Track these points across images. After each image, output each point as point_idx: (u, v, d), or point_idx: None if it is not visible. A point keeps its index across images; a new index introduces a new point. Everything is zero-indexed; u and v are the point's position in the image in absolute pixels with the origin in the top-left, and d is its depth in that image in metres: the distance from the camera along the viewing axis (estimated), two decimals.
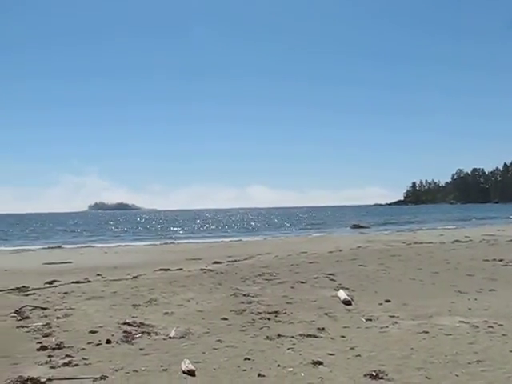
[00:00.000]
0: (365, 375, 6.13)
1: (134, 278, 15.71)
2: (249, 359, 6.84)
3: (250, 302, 11.09)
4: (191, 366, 6.39)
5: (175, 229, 70.37)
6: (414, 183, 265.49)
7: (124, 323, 9.16)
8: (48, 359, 7.04)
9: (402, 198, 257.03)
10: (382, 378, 6.02)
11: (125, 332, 8.50)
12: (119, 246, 38.73)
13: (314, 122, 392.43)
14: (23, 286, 14.05)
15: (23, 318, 9.90)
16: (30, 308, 10.87)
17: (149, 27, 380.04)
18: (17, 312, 10.45)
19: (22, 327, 9.15)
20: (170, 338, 8.15)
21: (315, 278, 14.46)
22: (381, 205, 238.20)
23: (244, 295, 11.99)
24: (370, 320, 9.26)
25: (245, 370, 6.40)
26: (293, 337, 8.05)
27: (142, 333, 8.45)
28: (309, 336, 8.11)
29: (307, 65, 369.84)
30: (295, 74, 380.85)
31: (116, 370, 6.46)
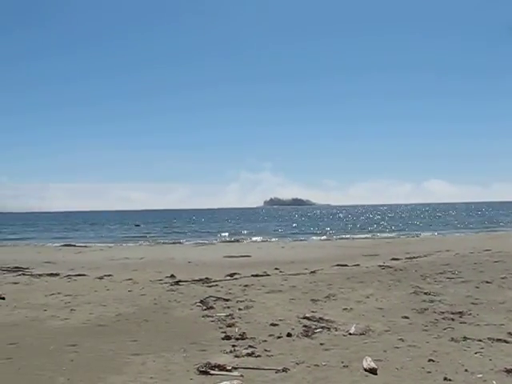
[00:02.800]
0: None
1: (311, 272, 15.84)
2: (433, 361, 6.50)
3: (431, 301, 10.61)
4: (373, 364, 6.23)
5: (350, 225, 69.96)
6: None
7: (304, 317, 9.23)
8: (232, 348, 7.30)
9: None
10: None
11: (305, 326, 8.56)
12: (295, 240, 39.45)
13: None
14: (206, 278, 14.81)
15: (208, 308, 10.41)
16: (214, 299, 11.41)
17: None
18: (202, 302, 11.02)
19: (207, 316, 9.63)
20: (349, 334, 8.04)
21: (502, 278, 13.46)
22: None
23: (425, 293, 11.51)
24: None
25: (429, 372, 6.09)
26: (480, 340, 7.50)
27: (322, 328, 8.44)
28: (498, 340, 7.49)
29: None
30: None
31: (297, 364, 6.51)
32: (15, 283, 14.96)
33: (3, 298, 11.93)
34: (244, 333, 8.13)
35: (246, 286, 13.36)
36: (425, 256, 20.53)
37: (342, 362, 6.52)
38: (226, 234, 51.10)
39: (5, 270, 18.31)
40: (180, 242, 39.04)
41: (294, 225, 72.52)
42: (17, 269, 18.74)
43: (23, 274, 17.22)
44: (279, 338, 7.90)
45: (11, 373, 6.42)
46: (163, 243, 38.24)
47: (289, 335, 7.98)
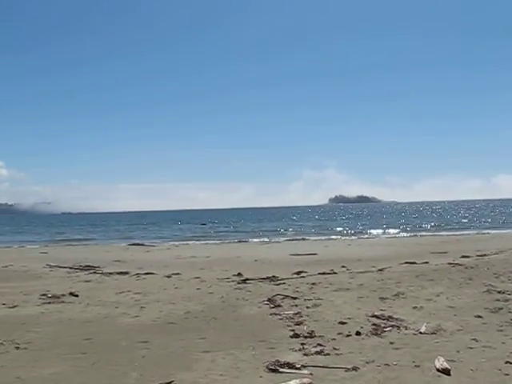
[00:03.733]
0: None
1: (379, 270, 15.62)
2: (510, 363, 6.26)
3: (506, 300, 10.24)
4: (446, 365, 6.06)
5: (417, 222, 68.50)
6: None
7: (372, 316, 9.11)
8: (301, 346, 7.28)
9: None
10: None
11: (374, 325, 8.44)
12: (361, 238, 39.04)
13: None
14: (273, 276, 14.82)
15: (275, 306, 10.42)
16: (281, 297, 11.40)
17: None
18: (269, 300, 11.04)
19: (275, 314, 9.63)
20: (420, 333, 7.87)
21: None
22: None
23: (499, 292, 11.12)
24: None
25: (507, 375, 5.85)
26: None
27: (391, 326, 8.30)
28: None
29: None
30: None
31: (367, 362, 6.42)
32: (87, 281, 15.43)
33: (77, 296, 12.33)
34: (312, 331, 8.09)
35: (313, 284, 13.30)
36: (496, 253, 19.89)
37: (414, 362, 6.38)
38: (292, 232, 51.11)
39: (77, 269, 18.93)
40: (246, 241, 39.30)
41: (360, 222, 71.73)
42: (88, 267, 19.33)
43: (94, 273, 17.75)
44: (348, 336, 7.82)
45: (87, 367, 6.62)
46: (229, 242, 38.59)
47: (358, 334, 7.89)
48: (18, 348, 7.64)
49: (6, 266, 20.54)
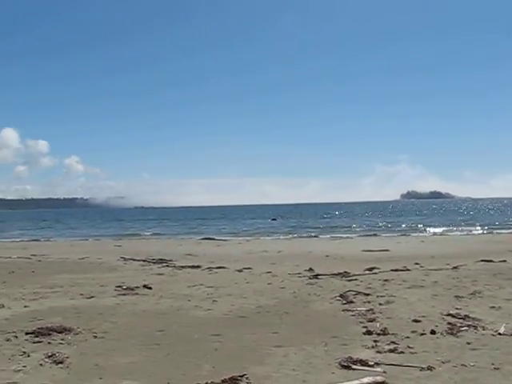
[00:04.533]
0: None
1: (454, 268, 15.20)
2: None
3: None
4: None
5: (493, 218, 66.17)
6: None
7: (447, 314, 8.87)
8: (374, 344, 7.18)
9: None
10: None
11: (449, 324, 8.21)
12: (434, 235, 38.14)
13: None
14: (345, 272, 14.71)
15: (348, 302, 10.33)
16: (354, 293, 11.29)
17: None
18: (341, 296, 10.95)
19: (347, 311, 9.56)
20: (499, 334, 7.60)
21: None
22: None
23: None
24: None
25: None
26: None
27: (468, 326, 8.04)
28: None
29: None
30: None
31: (443, 362, 6.25)
32: (160, 274, 15.79)
33: (150, 288, 12.62)
34: (386, 328, 7.96)
35: (385, 280, 13.10)
36: None
37: (493, 364, 6.16)
38: (363, 227, 50.49)
39: (150, 262, 19.40)
40: (316, 236, 39.11)
41: (433, 218, 69.98)
42: (161, 261, 19.77)
43: (167, 266, 18.14)
44: (422, 334, 7.65)
45: (161, 357, 6.78)
46: (300, 237, 38.55)
47: (432, 332, 7.70)
48: (95, 337, 7.92)
49: (83, 258, 21.33)
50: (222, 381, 5.68)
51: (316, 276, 14.19)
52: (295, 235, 40.23)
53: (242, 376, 5.85)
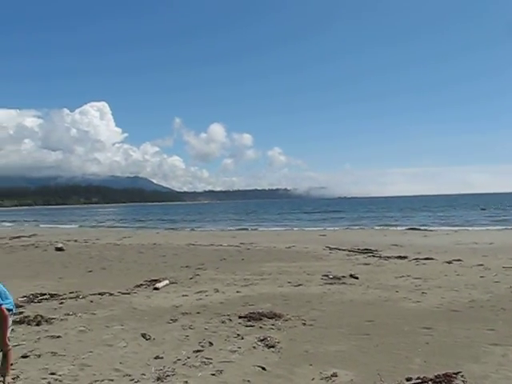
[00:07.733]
0: None
1: None
2: None
3: None
4: None
5: None
6: None
7: None
8: None
9: None
10: None
11: None
12: None
13: None
14: None
15: None
16: None
17: None
18: None
19: None
20: None
21: None
22: None
23: None
24: None
25: None
26: None
27: None
28: None
29: None
30: None
31: None
32: (366, 264, 15.68)
33: (357, 278, 12.59)
34: None
35: None
36: None
37: None
38: None
39: (356, 252, 19.36)
40: None
41: None
42: (366, 250, 19.64)
43: (373, 256, 17.97)
44: None
45: (370, 348, 6.70)
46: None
47: None
48: (304, 324, 8.10)
49: (289, 247, 22.01)
50: (436, 376, 5.44)
51: None
52: (509, 227, 37.13)
53: (456, 373, 5.55)
